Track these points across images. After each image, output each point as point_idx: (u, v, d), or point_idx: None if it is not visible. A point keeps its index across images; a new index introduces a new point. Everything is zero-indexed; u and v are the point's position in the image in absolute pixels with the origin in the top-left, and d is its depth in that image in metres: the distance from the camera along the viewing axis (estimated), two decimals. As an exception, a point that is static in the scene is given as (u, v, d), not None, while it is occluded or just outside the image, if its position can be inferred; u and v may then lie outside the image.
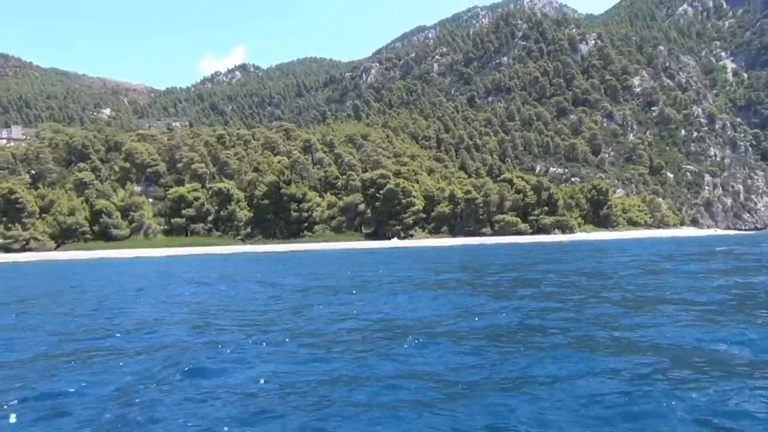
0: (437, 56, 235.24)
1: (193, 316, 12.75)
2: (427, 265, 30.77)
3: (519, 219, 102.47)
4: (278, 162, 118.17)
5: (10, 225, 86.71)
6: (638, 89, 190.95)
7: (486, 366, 6.84)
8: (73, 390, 6.55)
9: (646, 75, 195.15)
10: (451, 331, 9.14)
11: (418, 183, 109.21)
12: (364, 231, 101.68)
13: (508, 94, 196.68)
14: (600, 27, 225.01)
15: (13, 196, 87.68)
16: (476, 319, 10.30)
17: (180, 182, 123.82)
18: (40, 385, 6.89)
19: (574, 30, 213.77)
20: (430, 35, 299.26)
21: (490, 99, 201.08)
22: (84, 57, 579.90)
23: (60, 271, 40.35)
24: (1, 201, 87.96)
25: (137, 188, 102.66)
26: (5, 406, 6.09)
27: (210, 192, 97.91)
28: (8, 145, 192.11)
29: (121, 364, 7.84)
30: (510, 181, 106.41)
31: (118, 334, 10.51)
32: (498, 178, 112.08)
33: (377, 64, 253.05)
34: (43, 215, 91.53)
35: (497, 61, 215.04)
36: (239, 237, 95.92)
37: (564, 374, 6.31)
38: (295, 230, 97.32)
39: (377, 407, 5.44)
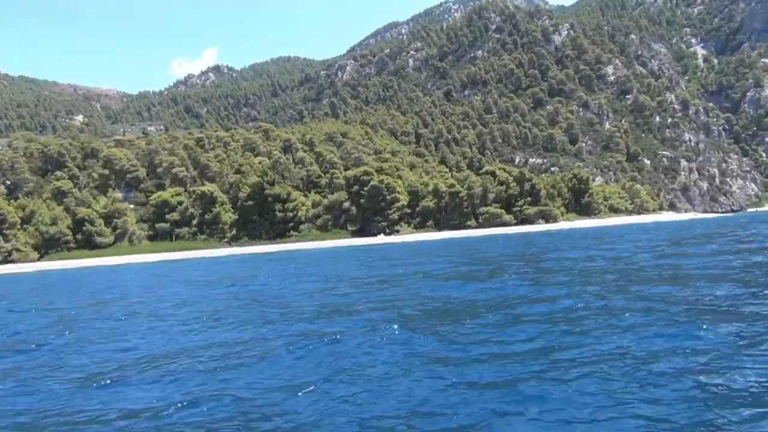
0: (412, 51, 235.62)
1: (282, 312, 12.66)
2: (435, 259, 30.88)
3: (503, 210, 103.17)
4: (259, 163, 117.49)
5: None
6: (612, 78, 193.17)
7: (594, 345, 6.96)
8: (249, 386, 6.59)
9: (619, 63, 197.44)
10: (535, 315, 9.24)
11: (401, 179, 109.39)
12: (349, 228, 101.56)
13: (485, 87, 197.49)
14: (572, 17, 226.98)
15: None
16: (544, 304, 10.41)
17: (161, 187, 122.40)
18: (208, 383, 6.90)
19: (547, 21, 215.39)
20: (403, 31, 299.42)
21: (466, 92, 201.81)
22: (53, 63, 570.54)
23: (69, 280, 39.74)
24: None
25: (119, 195, 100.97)
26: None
27: (193, 196, 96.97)
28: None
29: (272, 361, 7.84)
30: (492, 174, 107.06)
31: (236, 332, 10.47)
32: (480, 171, 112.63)
33: (352, 62, 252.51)
34: (25, 226, 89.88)
35: (472, 54, 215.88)
36: (225, 240, 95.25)
37: (684, 347, 6.46)
38: (281, 230, 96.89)
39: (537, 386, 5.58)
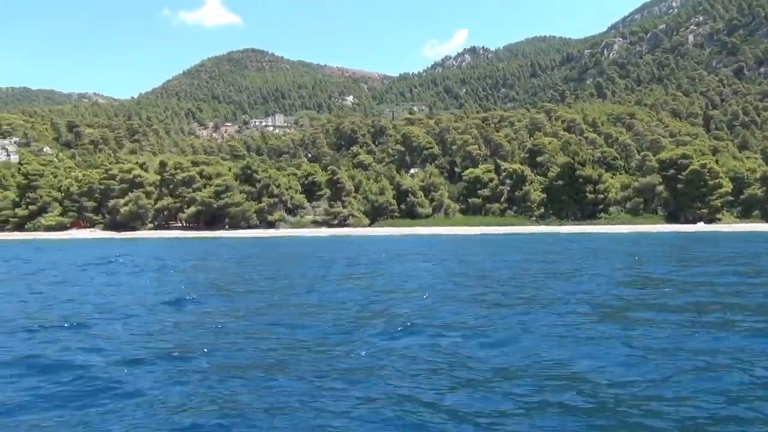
0: (692, 26, 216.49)
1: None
2: None
3: None
4: (549, 143, 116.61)
5: (332, 203, 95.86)
6: None
7: None
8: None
9: None
10: None
11: (718, 163, 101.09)
12: (660, 213, 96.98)
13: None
14: None
15: (335, 177, 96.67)
16: None
17: (452, 164, 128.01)
18: None
19: None
20: (674, 4, 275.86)
21: (762, 70, 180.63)
22: (322, 49, 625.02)
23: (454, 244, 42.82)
24: (324, 182, 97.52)
25: (435, 170, 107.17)
26: None
27: (504, 173, 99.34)
28: (274, 131, 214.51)
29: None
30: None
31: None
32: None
33: (620, 39, 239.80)
34: (354, 195, 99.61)
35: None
36: (533, 217, 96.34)
37: None
38: (590, 212, 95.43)
39: None
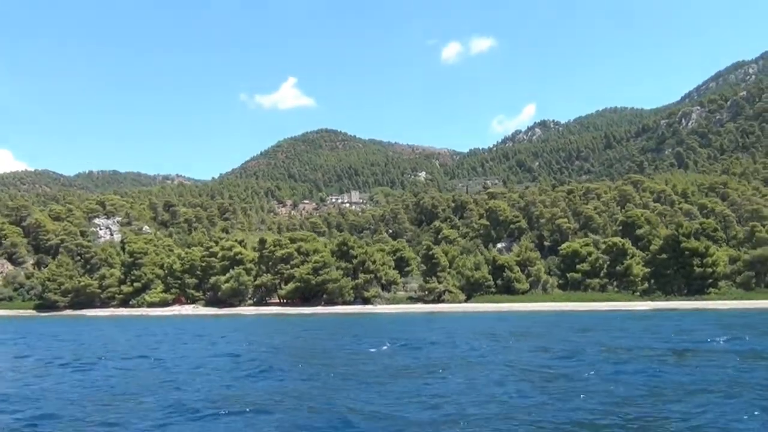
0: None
1: None
2: None
3: None
4: (642, 215, 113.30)
5: (427, 278, 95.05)
6: None
7: None
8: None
9: None
10: None
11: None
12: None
13: None
14: None
15: (430, 252, 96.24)
16: None
17: (540, 238, 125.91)
18: None
19: None
20: (750, 71, 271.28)
21: None
22: (392, 127, 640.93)
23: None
24: (420, 257, 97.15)
25: (530, 244, 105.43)
26: None
27: (603, 247, 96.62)
28: (351, 208, 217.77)
29: None
30: None
31: None
32: None
33: (698, 108, 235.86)
34: (448, 270, 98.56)
35: None
36: (636, 293, 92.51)
37: None
38: (698, 286, 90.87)
39: None
